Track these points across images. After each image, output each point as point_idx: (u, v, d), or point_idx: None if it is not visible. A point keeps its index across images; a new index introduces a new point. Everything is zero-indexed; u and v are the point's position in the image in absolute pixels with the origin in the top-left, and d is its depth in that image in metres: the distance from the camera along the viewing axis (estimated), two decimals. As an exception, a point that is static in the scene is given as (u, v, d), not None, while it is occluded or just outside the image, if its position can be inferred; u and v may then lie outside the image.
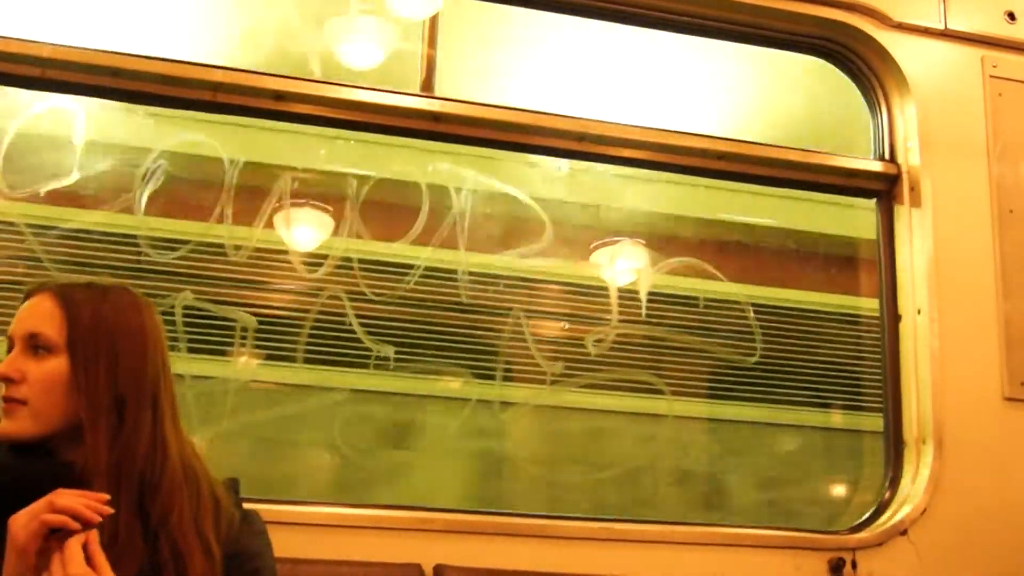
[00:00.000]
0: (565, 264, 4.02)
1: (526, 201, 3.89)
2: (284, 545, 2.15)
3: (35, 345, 1.93)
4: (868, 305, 3.81)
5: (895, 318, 3.51)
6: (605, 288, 3.99)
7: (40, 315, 1.95)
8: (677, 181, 3.86)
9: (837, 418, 4.26)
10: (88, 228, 3.52)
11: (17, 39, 3.03)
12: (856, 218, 3.81)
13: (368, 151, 3.67)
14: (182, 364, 3.37)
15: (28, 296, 2.00)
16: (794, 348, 4.15)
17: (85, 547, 1.69)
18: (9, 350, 1.95)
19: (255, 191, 3.61)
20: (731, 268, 4.11)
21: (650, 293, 3.95)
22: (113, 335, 1.94)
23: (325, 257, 3.66)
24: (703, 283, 4.02)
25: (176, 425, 1.99)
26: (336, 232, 3.71)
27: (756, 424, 4.30)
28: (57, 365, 1.91)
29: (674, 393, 4.00)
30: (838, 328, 4.19)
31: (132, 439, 1.89)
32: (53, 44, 3.05)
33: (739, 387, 4.13)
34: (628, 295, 3.94)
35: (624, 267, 4.06)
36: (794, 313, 4.23)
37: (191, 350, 3.47)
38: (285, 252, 3.66)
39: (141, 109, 3.41)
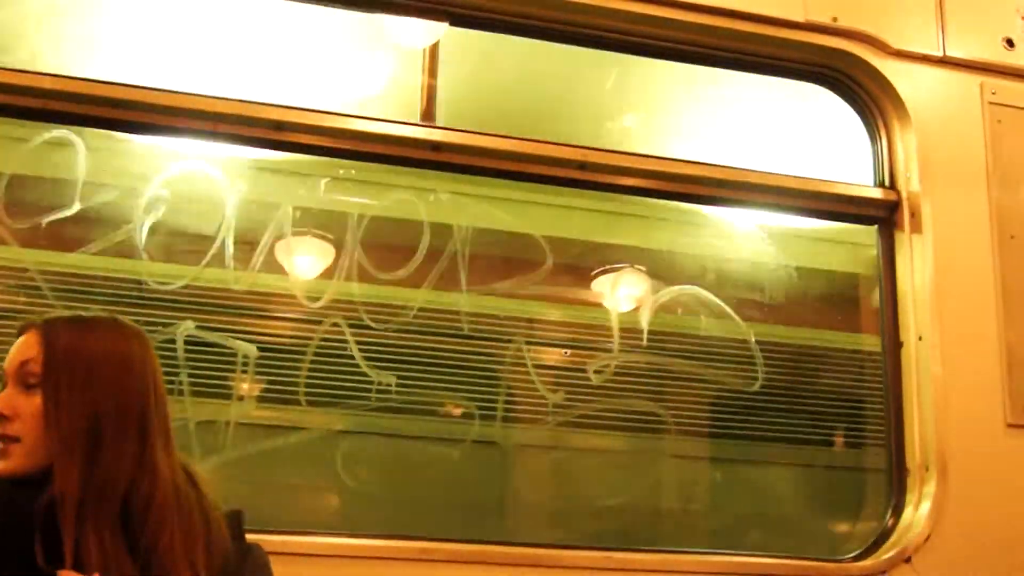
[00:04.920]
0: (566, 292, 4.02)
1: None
2: (285, 576, 2.16)
3: (25, 381, 1.97)
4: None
5: (896, 345, 3.51)
6: (607, 317, 3.99)
7: (25, 350, 2.00)
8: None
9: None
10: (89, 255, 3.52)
11: (18, 71, 3.05)
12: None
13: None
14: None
15: (19, 333, 2.05)
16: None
17: None
18: (3, 388, 1.99)
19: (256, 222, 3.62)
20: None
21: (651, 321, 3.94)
22: (90, 363, 1.96)
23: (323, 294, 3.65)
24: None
25: (168, 450, 2.01)
26: (337, 262, 3.70)
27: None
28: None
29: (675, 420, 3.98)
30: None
31: (114, 463, 1.91)
32: (54, 75, 3.07)
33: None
34: (629, 324, 3.93)
35: (625, 295, 4.05)
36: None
37: (192, 377, 3.46)
38: (286, 278, 3.66)
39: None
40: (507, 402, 3.80)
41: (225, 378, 3.56)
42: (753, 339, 3.93)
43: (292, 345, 3.64)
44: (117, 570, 1.82)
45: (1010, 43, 3.70)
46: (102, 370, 1.96)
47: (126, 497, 1.90)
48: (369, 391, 3.63)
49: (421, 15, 3.48)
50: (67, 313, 2.11)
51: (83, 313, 2.12)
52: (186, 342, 3.44)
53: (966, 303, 3.46)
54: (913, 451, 3.39)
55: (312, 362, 3.60)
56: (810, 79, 3.75)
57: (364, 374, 3.60)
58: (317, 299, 3.59)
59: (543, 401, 3.75)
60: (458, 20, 3.49)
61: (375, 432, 3.78)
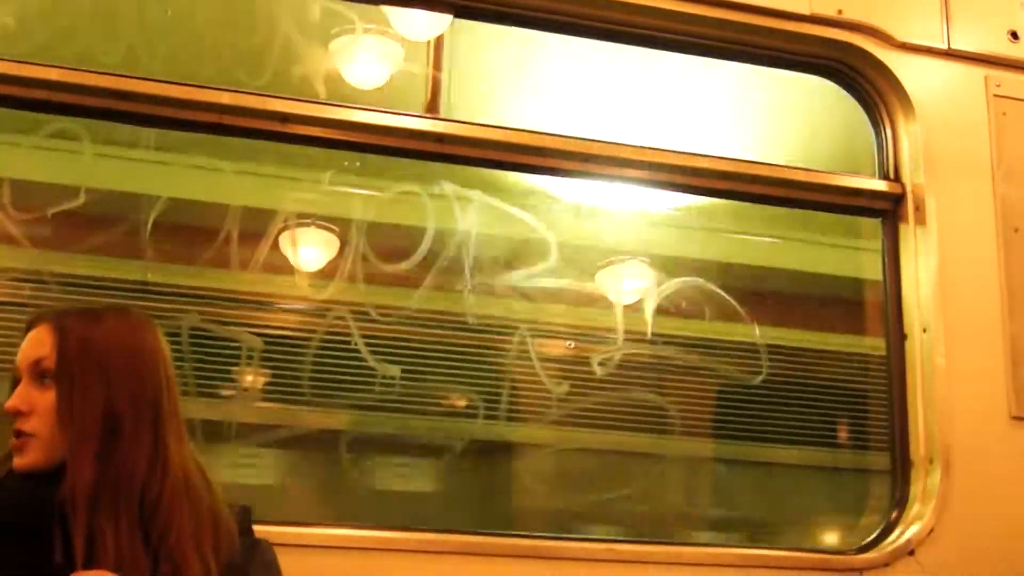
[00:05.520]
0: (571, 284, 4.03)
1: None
2: (294, 568, 2.16)
3: (39, 375, 1.96)
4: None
5: (901, 337, 3.50)
6: (611, 307, 3.99)
7: (38, 345, 1.99)
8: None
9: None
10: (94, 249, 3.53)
11: (24, 62, 3.05)
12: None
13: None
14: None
15: (28, 328, 2.04)
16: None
17: None
18: (15, 384, 1.99)
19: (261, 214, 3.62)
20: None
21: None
22: (103, 356, 1.96)
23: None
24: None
25: (180, 442, 2.02)
26: (341, 254, 3.71)
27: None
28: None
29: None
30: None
31: (131, 455, 1.92)
32: (60, 68, 3.06)
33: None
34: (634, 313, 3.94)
35: (629, 286, 4.06)
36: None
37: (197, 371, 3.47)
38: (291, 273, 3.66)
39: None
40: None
41: (229, 371, 3.58)
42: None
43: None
44: (132, 562, 1.83)
45: (1015, 35, 3.69)
46: (116, 363, 1.96)
47: (142, 491, 1.91)
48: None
49: (425, 6, 3.48)
50: (76, 306, 2.10)
51: (92, 305, 2.12)
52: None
53: (970, 296, 3.46)
54: (917, 444, 3.38)
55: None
56: (814, 71, 3.74)
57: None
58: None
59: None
60: (462, 12, 3.49)
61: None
